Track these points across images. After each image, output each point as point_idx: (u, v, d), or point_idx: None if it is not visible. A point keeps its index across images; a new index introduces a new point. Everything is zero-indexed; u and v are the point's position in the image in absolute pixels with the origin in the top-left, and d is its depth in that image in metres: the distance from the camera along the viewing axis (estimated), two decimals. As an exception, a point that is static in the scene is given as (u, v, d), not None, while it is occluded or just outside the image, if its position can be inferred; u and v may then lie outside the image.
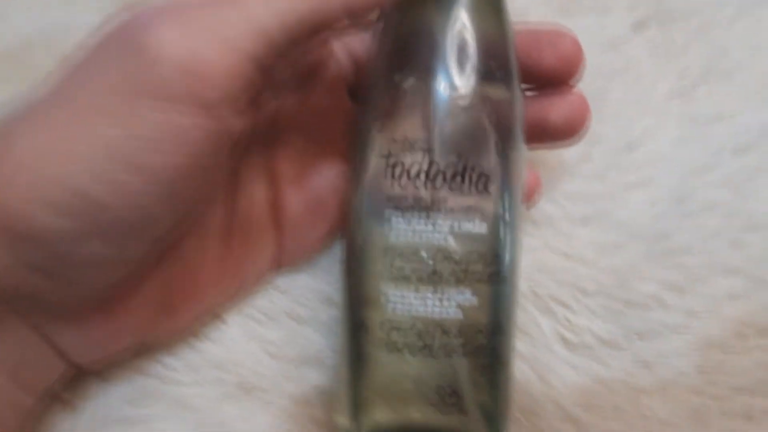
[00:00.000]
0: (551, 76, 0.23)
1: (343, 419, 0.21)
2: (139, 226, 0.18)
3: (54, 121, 0.17)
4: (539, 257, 0.27)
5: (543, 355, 0.26)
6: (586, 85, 0.27)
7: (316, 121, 0.24)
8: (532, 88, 0.24)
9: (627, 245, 0.27)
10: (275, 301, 0.26)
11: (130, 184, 0.17)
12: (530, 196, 0.25)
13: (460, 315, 0.19)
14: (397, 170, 0.19)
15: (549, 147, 0.25)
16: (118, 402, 0.24)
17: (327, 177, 0.24)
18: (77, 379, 0.24)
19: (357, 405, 0.21)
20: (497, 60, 0.21)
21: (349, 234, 0.22)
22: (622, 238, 0.27)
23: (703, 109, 0.29)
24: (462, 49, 0.20)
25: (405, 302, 0.19)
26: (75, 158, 0.16)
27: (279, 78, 0.22)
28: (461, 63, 0.20)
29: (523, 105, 0.22)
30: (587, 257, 0.27)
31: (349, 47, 0.25)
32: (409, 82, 0.20)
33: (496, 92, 0.21)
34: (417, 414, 0.20)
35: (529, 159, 0.27)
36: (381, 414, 0.20)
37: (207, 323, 0.25)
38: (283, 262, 0.25)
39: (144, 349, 0.24)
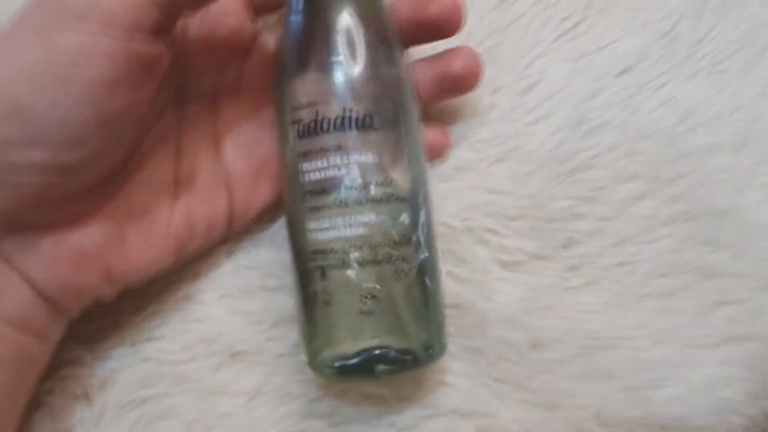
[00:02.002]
0: (439, 27, 0.28)
1: (306, 358, 0.26)
2: (69, 135, 0.21)
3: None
4: (466, 196, 0.31)
5: (483, 278, 0.30)
6: (481, 40, 0.32)
7: (253, 96, 0.29)
8: (426, 41, 0.29)
9: (538, 172, 0.31)
10: (247, 278, 0.30)
11: (55, 92, 0.20)
12: (441, 150, 0.31)
13: (366, 232, 0.24)
14: (301, 128, 0.25)
15: (456, 95, 0.30)
16: (129, 387, 0.28)
17: (265, 144, 0.28)
18: (89, 373, 0.28)
19: (314, 342, 0.25)
20: (381, 42, 0.26)
21: (283, 195, 0.27)
22: (532, 167, 0.31)
23: (586, 43, 0.33)
24: (350, 38, 0.25)
25: (321, 229, 0.24)
26: (10, 70, 0.20)
27: (216, 53, 0.27)
28: (351, 49, 0.25)
29: (411, 73, 0.27)
30: (507, 189, 0.31)
31: None
32: (311, 68, 0.25)
33: (385, 68, 0.25)
34: (363, 336, 0.24)
35: (444, 112, 0.31)
36: (336, 346, 0.25)
37: (191, 309, 0.29)
38: (235, 218, 0.29)
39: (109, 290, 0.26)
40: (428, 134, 0.29)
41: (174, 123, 0.28)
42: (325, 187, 0.24)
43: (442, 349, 0.25)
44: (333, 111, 0.24)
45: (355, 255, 0.24)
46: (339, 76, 0.24)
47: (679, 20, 0.33)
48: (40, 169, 0.21)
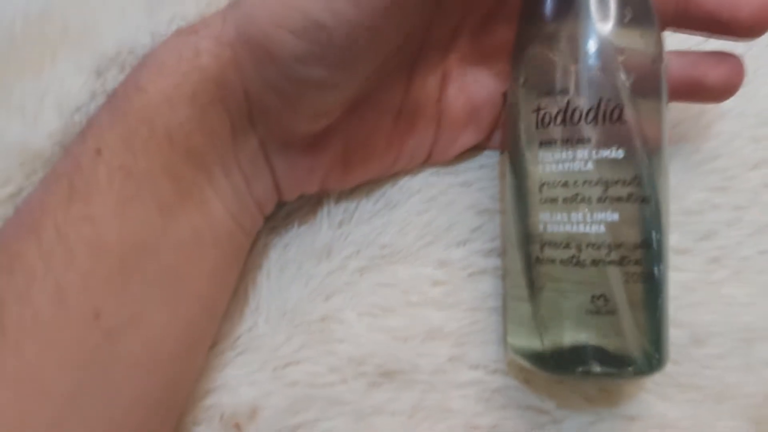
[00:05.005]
0: (745, 28, 0.25)
1: (528, 342, 0.24)
2: (348, 56, 0.22)
3: None
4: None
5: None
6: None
7: (495, 40, 0.28)
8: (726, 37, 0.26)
9: (670, 166, 0.30)
10: (386, 296, 0.29)
11: (348, 13, 0.21)
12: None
13: (603, 230, 0.23)
14: (544, 116, 0.24)
15: (700, 103, 0.29)
16: (279, 415, 0.27)
17: (486, 90, 0.28)
18: (234, 403, 0.27)
19: (540, 327, 0.24)
20: (636, 11, 0.24)
21: (512, 176, 0.26)
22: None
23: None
24: (609, 28, 0.23)
25: (555, 223, 0.23)
26: None
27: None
28: (601, 11, 0.23)
29: (664, 55, 0.24)
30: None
31: None
32: (551, 30, 0.24)
33: (633, 41, 0.24)
34: (580, 330, 0.23)
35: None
36: (553, 336, 0.24)
37: (331, 329, 0.28)
38: (434, 156, 0.29)
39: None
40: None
41: (412, 51, 0.27)
42: (566, 181, 0.23)
43: (662, 361, 0.24)
44: (586, 103, 0.23)
45: (590, 253, 0.23)
46: (595, 64, 0.23)
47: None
48: (316, 84, 0.23)
